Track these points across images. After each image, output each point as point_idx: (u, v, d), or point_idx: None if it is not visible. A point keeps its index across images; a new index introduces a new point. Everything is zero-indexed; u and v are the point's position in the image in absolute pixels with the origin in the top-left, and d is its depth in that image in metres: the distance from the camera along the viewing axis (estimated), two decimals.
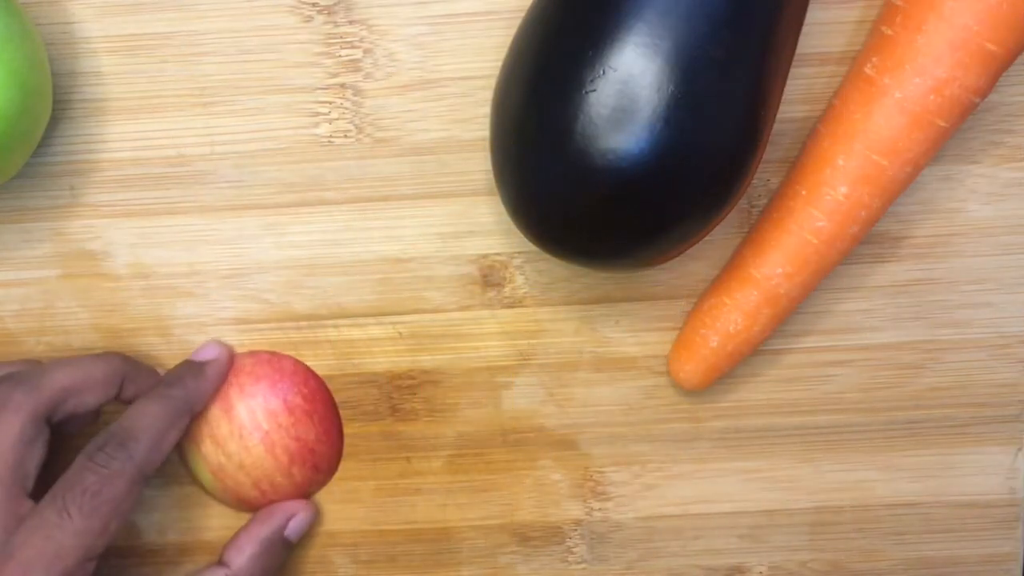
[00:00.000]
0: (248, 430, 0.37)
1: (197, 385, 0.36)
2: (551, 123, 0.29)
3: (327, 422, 0.38)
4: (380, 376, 0.39)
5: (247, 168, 0.36)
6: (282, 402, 0.37)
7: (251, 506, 0.38)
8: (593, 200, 0.30)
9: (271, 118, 0.36)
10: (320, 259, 0.37)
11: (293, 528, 0.37)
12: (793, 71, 0.34)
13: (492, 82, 0.34)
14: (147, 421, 0.33)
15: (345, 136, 0.36)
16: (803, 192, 0.34)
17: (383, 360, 0.38)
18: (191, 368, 0.36)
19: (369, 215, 0.37)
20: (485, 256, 0.37)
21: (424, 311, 0.38)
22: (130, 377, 0.35)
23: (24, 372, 0.33)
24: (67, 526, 0.30)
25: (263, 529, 0.36)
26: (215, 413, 0.37)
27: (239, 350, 0.38)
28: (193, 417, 0.35)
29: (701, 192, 0.30)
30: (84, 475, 0.31)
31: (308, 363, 0.38)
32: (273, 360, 0.38)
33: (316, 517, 0.39)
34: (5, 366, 0.36)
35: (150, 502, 0.39)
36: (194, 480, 0.39)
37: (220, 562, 0.35)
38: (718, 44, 0.28)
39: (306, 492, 0.39)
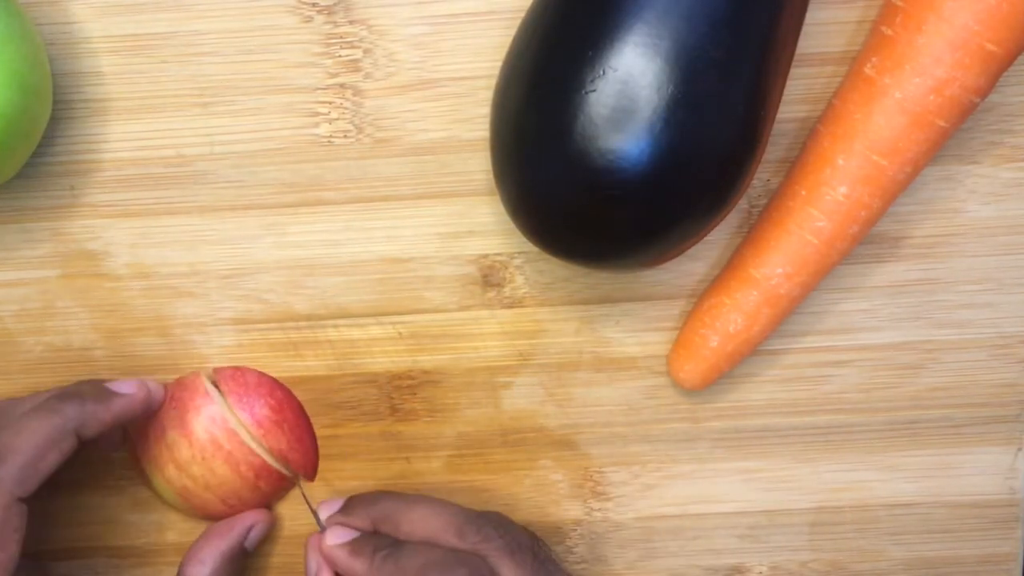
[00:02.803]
0: (210, 452, 0.36)
1: (94, 409, 0.32)
2: (551, 123, 0.29)
3: (298, 429, 0.38)
4: (380, 376, 0.39)
5: (247, 168, 0.36)
6: (249, 415, 0.37)
7: (219, 517, 0.38)
8: (593, 200, 0.30)
9: (271, 118, 0.36)
10: (320, 259, 0.37)
11: (252, 539, 0.37)
12: (793, 71, 0.34)
13: (492, 82, 0.34)
14: (24, 438, 0.31)
15: (345, 136, 0.36)
16: (803, 192, 0.34)
17: (383, 360, 0.38)
18: (97, 390, 0.34)
19: (369, 215, 0.37)
20: (485, 256, 0.37)
21: (424, 311, 0.38)
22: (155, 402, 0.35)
23: (89, 390, 0.33)
24: None
25: (223, 542, 0.36)
26: (174, 437, 0.36)
27: (239, 350, 0.38)
28: (80, 441, 0.32)
29: (701, 192, 0.30)
30: None
31: (308, 363, 0.38)
32: (237, 375, 0.37)
33: (274, 524, 0.39)
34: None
35: (150, 502, 0.39)
36: (157, 497, 0.39)
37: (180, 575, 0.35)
38: (718, 44, 0.28)
39: (276, 499, 0.39)
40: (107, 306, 0.38)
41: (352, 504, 0.36)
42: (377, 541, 0.34)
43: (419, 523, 0.34)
